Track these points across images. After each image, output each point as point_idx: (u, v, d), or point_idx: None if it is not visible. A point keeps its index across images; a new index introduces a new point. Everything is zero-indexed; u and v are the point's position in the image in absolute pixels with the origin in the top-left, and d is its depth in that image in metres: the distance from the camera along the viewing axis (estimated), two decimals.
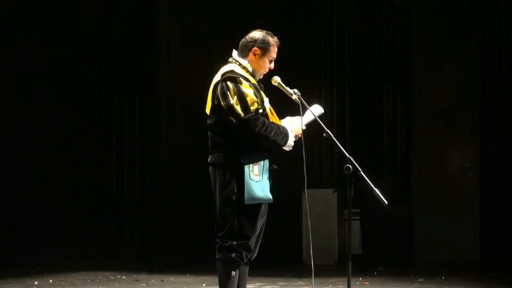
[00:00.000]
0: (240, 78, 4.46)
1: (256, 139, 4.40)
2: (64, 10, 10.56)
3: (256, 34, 4.61)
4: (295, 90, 4.59)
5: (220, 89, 4.45)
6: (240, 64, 4.57)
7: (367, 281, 7.90)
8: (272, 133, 4.42)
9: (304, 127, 4.62)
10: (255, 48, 4.56)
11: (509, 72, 9.39)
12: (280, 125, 4.55)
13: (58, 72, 10.47)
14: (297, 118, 4.62)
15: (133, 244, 10.96)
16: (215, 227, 4.53)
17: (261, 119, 4.41)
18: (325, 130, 4.45)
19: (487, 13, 9.41)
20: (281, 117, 4.73)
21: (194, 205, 9.92)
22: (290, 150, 4.59)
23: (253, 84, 4.51)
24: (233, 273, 4.43)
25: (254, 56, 4.57)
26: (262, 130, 4.39)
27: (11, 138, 9.71)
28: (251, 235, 4.46)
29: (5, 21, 9.81)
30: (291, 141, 4.53)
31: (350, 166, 4.31)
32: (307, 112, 4.62)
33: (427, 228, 9.16)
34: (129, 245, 10.98)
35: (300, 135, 4.59)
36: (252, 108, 4.40)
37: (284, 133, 4.49)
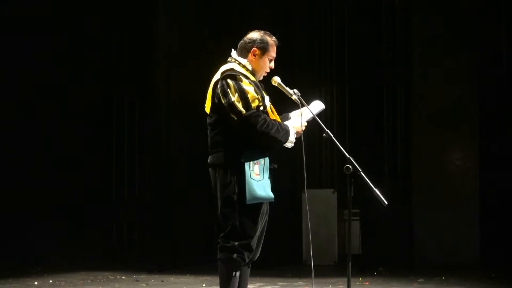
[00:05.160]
0: (240, 76, 4.45)
1: (257, 136, 4.39)
2: (64, 10, 10.56)
3: (254, 34, 4.61)
4: (295, 90, 4.59)
5: (220, 87, 4.45)
6: (239, 63, 4.57)
7: (367, 281, 7.90)
8: (274, 130, 4.42)
9: (305, 124, 4.61)
10: (254, 48, 4.56)
11: (509, 72, 9.40)
12: (281, 122, 4.55)
13: (58, 72, 10.47)
14: (304, 108, 4.60)
15: (133, 244, 10.95)
16: (216, 228, 4.53)
17: (262, 116, 4.40)
18: (325, 130, 4.44)
19: (487, 13, 9.42)
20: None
21: (194, 205, 9.93)
22: (291, 148, 4.58)
23: (253, 81, 4.50)
24: (235, 273, 4.42)
25: (253, 57, 4.57)
26: (264, 127, 4.38)
27: (11, 138, 9.71)
28: (253, 235, 4.45)
29: (5, 22, 9.82)
30: (292, 138, 4.51)
31: (350, 166, 4.30)
32: (308, 110, 4.62)
33: (427, 228, 9.15)
34: (129, 245, 10.98)
35: (301, 132, 4.59)
36: (253, 105, 4.39)
37: (285, 130, 4.48)
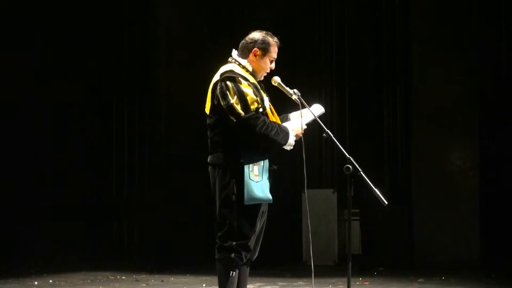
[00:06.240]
0: (239, 78, 4.45)
1: (256, 138, 4.39)
2: (65, 10, 10.56)
3: (256, 35, 4.61)
4: (295, 90, 4.59)
5: (219, 88, 4.44)
6: (239, 64, 4.56)
7: (367, 281, 7.90)
8: (273, 132, 4.42)
9: (305, 127, 4.61)
10: (255, 49, 4.56)
11: (509, 72, 9.40)
12: (281, 124, 4.55)
13: (58, 73, 10.47)
14: (304, 110, 4.60)
15: (133, 244, 10.95)
16: (215, 227, 4.52)
17: (262, 118, 4.40)
18: (325, 130, 4.44)
19: (487, 13, 9.42)
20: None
21: (194, 205, 9.93)
22: (291, 149, 4.58)
23: (252, 83, 4.50)
24: (233, 273, 4.43)
25: (254, 57, 4.57)
26: (263, 129, 4.38)
27: (11, 138, 9.71)
28: (251, 235, 4.45)
29: (6, 22, 9.82)
30: (291, 140, 4.51)
31: (350, 166, 4.30)
32: (308, 112, 4.62)
33: (427, 228, 9.15)
34: (129, 245, 10.97)
35: (300, 135, 4.59)
36: (252, 107, 4.39)
37: (285, 132, 4.48)
